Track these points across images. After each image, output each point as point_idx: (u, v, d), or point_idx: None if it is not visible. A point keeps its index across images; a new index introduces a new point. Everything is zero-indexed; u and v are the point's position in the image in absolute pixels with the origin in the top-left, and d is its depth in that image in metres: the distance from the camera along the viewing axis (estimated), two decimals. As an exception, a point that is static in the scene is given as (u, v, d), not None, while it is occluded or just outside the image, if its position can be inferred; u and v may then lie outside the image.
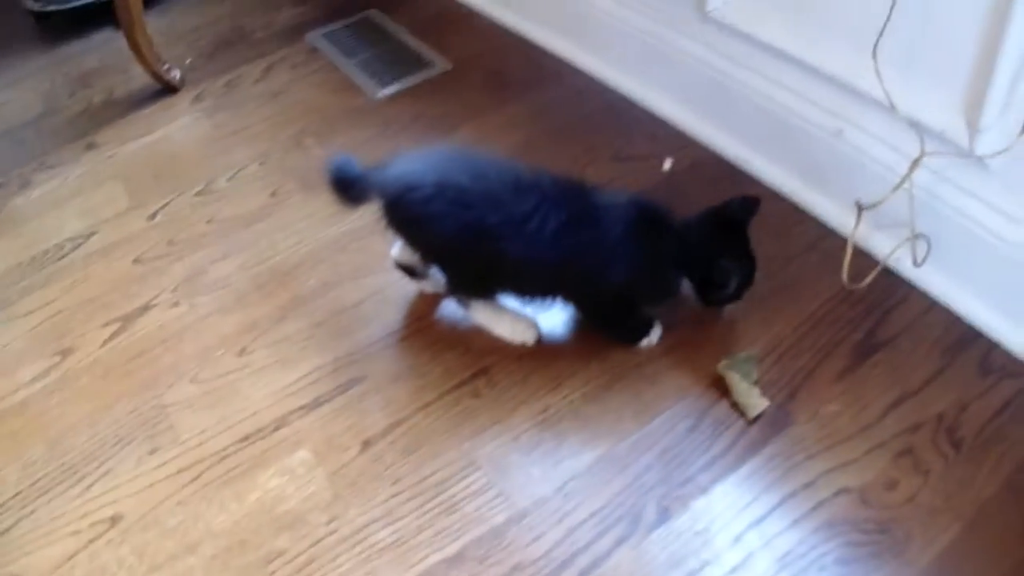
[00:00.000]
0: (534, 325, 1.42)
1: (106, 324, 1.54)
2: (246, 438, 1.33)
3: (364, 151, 1.81)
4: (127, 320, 1.55)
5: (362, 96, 2.07)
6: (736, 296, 1.34)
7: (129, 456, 1.33)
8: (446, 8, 2.36)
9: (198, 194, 1.82)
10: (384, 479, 1.26)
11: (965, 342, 1.36)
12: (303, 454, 1.30)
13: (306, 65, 2.21)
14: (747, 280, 1.34)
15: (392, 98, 2.05)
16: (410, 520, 1.21)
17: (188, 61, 2.28)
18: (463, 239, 1.27)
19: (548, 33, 2.13)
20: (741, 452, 1.25)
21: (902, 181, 1.33)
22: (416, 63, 2.16)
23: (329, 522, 1.22)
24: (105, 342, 1.51)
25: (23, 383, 1.46)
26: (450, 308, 1.49)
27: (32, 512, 1.27)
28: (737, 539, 1.15)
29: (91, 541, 1.23)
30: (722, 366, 1.33)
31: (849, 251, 1.41)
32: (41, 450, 1.35)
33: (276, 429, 1.34)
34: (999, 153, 1.22)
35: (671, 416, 1.30)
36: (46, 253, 1.72)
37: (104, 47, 2.41)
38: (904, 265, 1.44)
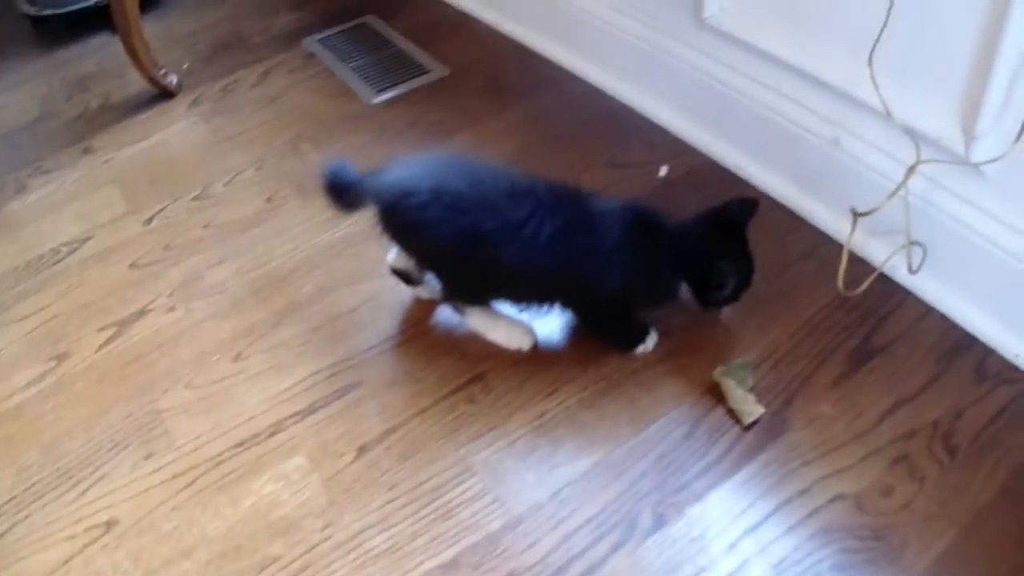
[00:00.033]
0: (530, 331, 1.42)
1: (102, 329, 1.54)
2: (241, 444, 1.33)
3: (360, 157, 1.82)
4: (123, 325, 1.54)
5: (358, 102, 2.07)
6: (734, 298, 1.34)
7: (124, 461, 1.33)
8: (443, 15, 2.36)
9: (194, 199, 1.82)
10: (379, 485, 1.26)
11: (960, 349, 1.36)
12: (298, 460, 1.30)
13: (303, 70, 2.22)
14: (745, 282, 1.34)
15: (389, 104, 2.05)
16: (405, 526, 1.21)
17: (185, 66, 2.28)
18: (459, 245, 1.26)
19: (545, 40, 2.14)
20: (736, 459, 1.25)
21: (898, 188, 1.33)
22: (413, 69, 2.16)
23: (324, 528, 1.21)
24: (101, 347, 1.51)
25: (18, 387, 1.46)
26: (446, 314, 1.49)
27: (27, 517, 1.27)
28: (732, 546, 1.15)
29: (86, 546, 1.22)
30: (718, 373, 1.33)
31: (845, 258, 1.41)
32: (36, 455, 1.35)
33: (271, 435, 1.34)
34: (995, 160, 1.22)
35: (667, 422, 1.30)
36: (42, 258, 1.72)
37: (101, 52, 2.41)
38: (900, 272, 1.44)
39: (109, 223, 1.79)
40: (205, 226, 1.75)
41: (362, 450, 1.30)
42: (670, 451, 1.27)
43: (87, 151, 2.02)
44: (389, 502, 1.24)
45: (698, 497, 1.21)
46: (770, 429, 1.28)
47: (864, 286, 1.42)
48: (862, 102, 1.38)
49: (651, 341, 1.39)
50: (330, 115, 2.03)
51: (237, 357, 1.46)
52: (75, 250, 1.73)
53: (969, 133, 1.25)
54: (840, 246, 1.45)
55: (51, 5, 2.49)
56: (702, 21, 1.63)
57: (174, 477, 1.30)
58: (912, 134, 1.31)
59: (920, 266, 1.40)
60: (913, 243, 1.38)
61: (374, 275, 1.57)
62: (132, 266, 1.67)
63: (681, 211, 1.37)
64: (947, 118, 1.28)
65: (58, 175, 1.95)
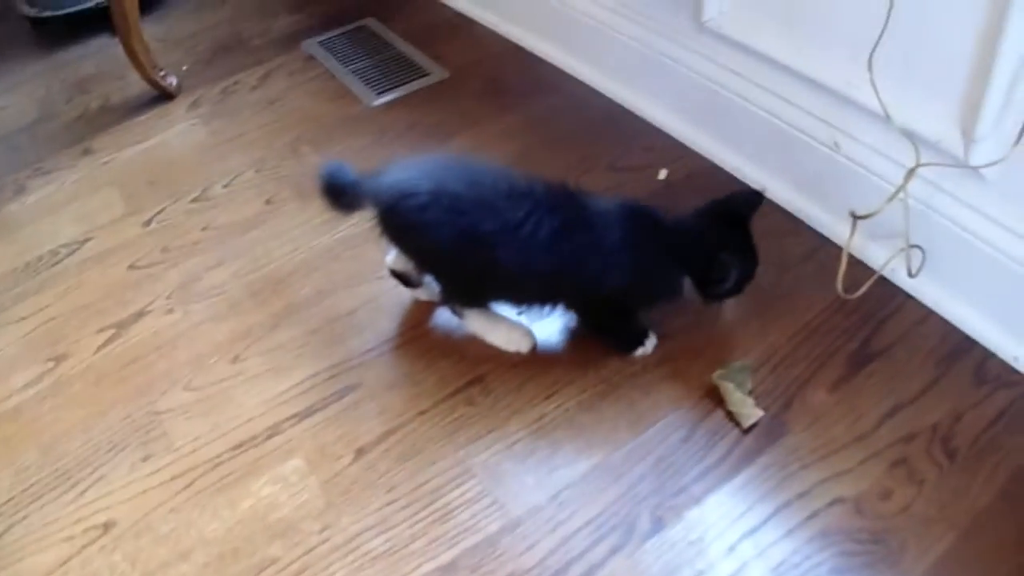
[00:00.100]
0: (529, 334, 1.42)
1: (100, 330, 1.54)
2: (239, 446, 1.33)
3: (359, 159, 1.82)
4: (121, 327, 1.54)
5: (358, 104, 2.07)
6: (737, 290, 1.34)
7: (122, 463, 1.32)
8: (443, 17, 2.36)
9: (193, 201, 1.82)
10: (378, 487, 1.25)
11: (960, 352, 1.36)
12: (296, 462, 1.30)
13: (303, 73, 2.22)
14: (748, 274, 1.34)
15: (388, 106, 2.05)
16: (403, 528, 1.20)
17: (184, 68, 2.28)
18: (458, 247, 1.26)
19: (545, 43, 2.14)
20: (735, 462, 1.25)
21: (897, 191, 1.33)
22: (413, 72, 2.16)
23: (322, 530, 1.21)
24: (99, 348, 1.51)
25: (16, 389, 1.45)
26: (445, 316, 1.49)
27: (25, 518, 1.26)
28: (731, 549, 1.15)
29: (84, 547, 1.22)
30: (716, 376, 1.33)
31: (844, 261, 1.41)
32: (34, 456, 1.35)
33: (269, 437, 1.34)
34: (994, 163, 1.22)
35: (665, 426, 1.30)
36: (40, 259, 1.72)
37: (100, 53, 2.41)
38: (899, 275, 1.44)
39: (108, 225, 1.79)
40: (204, 228, 1.74)
41: (360, 452, 1.30)
42: (669, 454, 1.26)
43: (86, 152, 2.02)
44: (387, 504, 1.23)
45: (697, 500, 1.21)
46: (769, 432, 1.28)
47: (863, 289, 1.42)
48: (861, 105, 1.38)
49: (650, 344, 1.39)
50: (330, 117, 2.03)
51: (235, 359, 1.46)
52: (74, 251, 1.73)
53: (969, 136, 1.25)
54: (839, 249, 1.45)
55: (51, 7, 2.49)
56: (701, 24, 1.63)
57: (172, 479, 1.29)
58: (911, 137, 1.31)
59: (920, 269, 1.40)
60: (912, 246, 1.38)
61: (373, 277, 1.57)
62: (131, 268, 1.67)
63: (680, 214, 1.37)
64: (947, 121, 1.28)
65: (57, 176, 1.95)
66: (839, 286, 1.41)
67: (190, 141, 2.02)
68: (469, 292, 1.39)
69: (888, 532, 1.15)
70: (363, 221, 1.42)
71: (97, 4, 2.44)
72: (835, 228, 1.54)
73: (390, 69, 2.18)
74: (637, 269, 1.30)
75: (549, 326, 1.45)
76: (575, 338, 1.45)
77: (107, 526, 1.24)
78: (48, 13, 2.49)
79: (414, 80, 2.13)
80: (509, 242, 1.24)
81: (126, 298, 1.60)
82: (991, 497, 1.17)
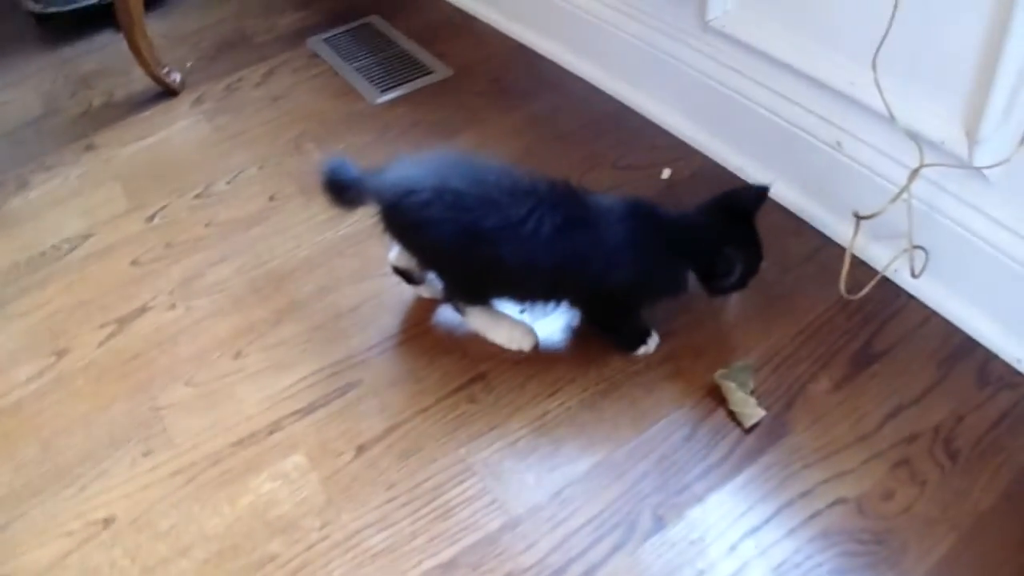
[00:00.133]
0: (531, 332, 1.42)
1: (102, 326, 1.54)
2: (240, 442, 1.33)
3: (363, 156, 1.82)
4: (123, 322, 1.54)
5: (362, 101, 2.07)
6: (741, 284, 1.33)
7: (123, 458, 1.32)
8: (447, 15, 2.36)
9: (196, 197, 1.82)
10: (378, 484, 1.25)
11: (963, 353, 1.36)
12: (297, 458, 1.30)
13: (307, 70, 2.22)
14: (752, 269, 1.34)
15: (392, 104, 2.05)
16: (404, 526, 1.20)
17: (189, 64, 2.28)
18: (460, 244, 1.26)
19: (549, 41, 2.13)
20: (737, 461, 1.25)
21: (901, 192, 1.32)
22: (417, 69, 2.16)
23: (322, 527, 1.21)
24: (101, 343, 1.51)
25: (18, 383, 1.45)
26: (447, 313, 1.49)
27: (25, 513, 1.26)
28: (732, 548, 1.15)
29: (84, 542, 1.22)
30: (719, 375, 1.32)
31: (847, 261, 1.41)
32: (35, 451, 1.35)
33: (270, 433, 1.34)
34: (998, 164, 1.22)
35: (667, 424, 1.30)
36: (43, 254, 1.72)
37: (105, 49, 2.41)
38: (902, 276, 1.44)
39: (111, 220, 1.79)
40: (207, 224, 1.74)
41: (361, 449, 1.30)
42: (671, 453, 1.26)
43: (90, 148, 2.02)
44: (388, 501, 1.23)
45: (698, 499, 1.20)
46: (771, 432, 1.27)
47: (866, 290, 1.41)
48: (865, 105, 1.38)
49: (652, 343, 1.39)
50: (333, 114, 2.03)
51: (237, 355, 1.46)
52: (76, 247, 1.73)
53: (972, 137, 1.25)
54: (842, 249, 1.45)
55: (56, 3, 2.49)
56: (706, 23, 1.63)
57: (172, 475, 1.29)
58: (915, 137, 1.30)
59: (923, 270, 1.40)
60: (916, 247, 1.38)
61: (375, 274, 1.56)
62: (133, 263, 1.67)
63: (684, 209, 1.37)
64: (950, 122, 1.28)
65: (61, 171, 1.95)
66: (842, 286, 1.41)
67: (193, 137, 2.02)
68: (472, 289, 1.39)
69: (890, 533, 1.15)
70: (366, 218, 1.42)
71: (101, 0, 2.43)
72: (838, 228, 1.53)
73: (394, 67, 2.18)
74: (641, 265, 1.30)
75: (551, 324, 1.45)
76: (577, 336, 1.45)
77: (107, 521, 1.24)
78: (53, 9, 2.50)
79: (418, 78, 2.13)
80: (512, 239, 1.24)
81: (128, 293, 1.60)
82: (993, 499, 1.17)
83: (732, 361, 1.35)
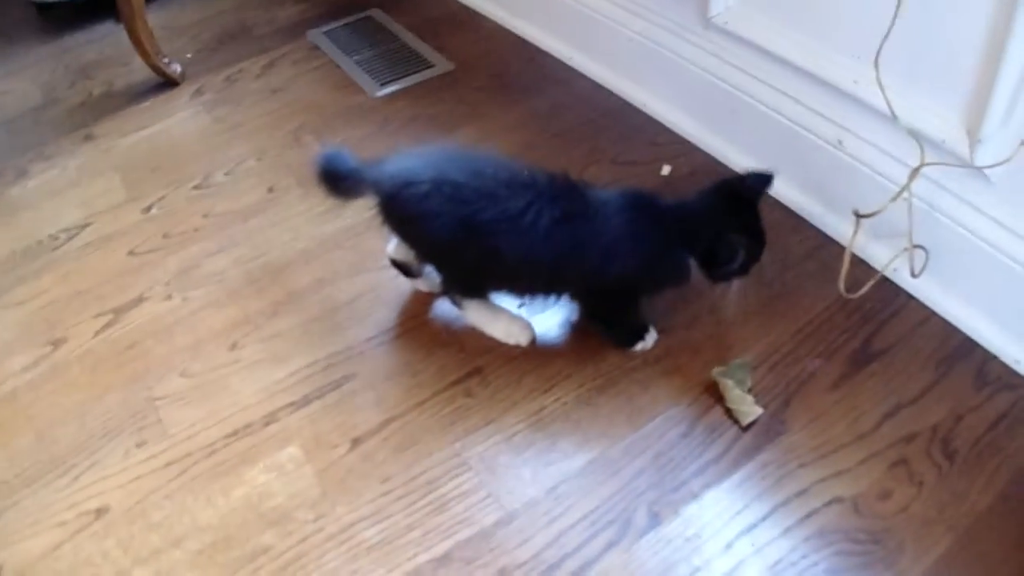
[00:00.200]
0: (528, 327, 1.41)
1: (98, 315, 1.53)
2: (235, 433, 1.32)
3: (362, 149, 1.79)
4: (119, 312, 1.54)
5: (362, 94, 2.06)
6: (743, 271, 1.32)
7: (117, 448, 1.32)
8: (449, 10, 2.36)
9: (195, 188, 1.82)
10: (373, 477, 1.25)
11: (961, 353, 1.35)
12: (292, 450, 1.29)
13: (307, 62, 2.21)
14: (755, 255, 1.32)
15: (392, 97, 2.05)
16: (398, 519, 1.20)
17: (189, 55, 2.28)
18: (458, 236, 1.25)
19: (550, 36, 2.13)
20: (734, 459, 1.24)
21: (901, 190, 1.32)
22: (417, 63, 2.15)
23: (316, 519, 1.21)
24: (97, 333, 1.50)
25: (13, 372, 1.45)
26: (444, 307, 1.48)
27: (17, 503, 1.26)
28: (728, 546, 1.15)
29: (76, 533, 1.22)
30: (716, 372, 1.32)
31: (847, 260, 1.40)
32: (29, 440, 1.34)
33: (265, 425, 1.33)
34: (999, 164, 1.22)
35: (664, 421, 1.30)
36: (40, 243, 1.71)
37: (105, 39, 2.41)
38: (902, 275, 1.43)
39: (109, 210, 1.78)
40: (205, 215, 1.74)
41: (356, 442, 1.30)
42: (667, 450, 1.26)
43: (89, 138, 2.01)
44: (383, 495, 1.23)
45: (694, 496, 1.20)
46: (768, 430, 1.27)
47: (866, 289, 1.41)
48: (867, 103, 1.38)
49: (650, 339, 1.39)
50: (333, 107, 2.03)
51: (233, 346, 1.46)
52: (74, 236, 1.72)
53: (974, 136, 1.24)
54: (842, 248, 1.44)
55: (56, -8, 2.49)
56: (708, 20, 1.63)
57: (166, 465, 1.29)
58: (916, 136, 1.30)
59: (922, 270, 1.39)
60: (916, 246, 1.37)
61: (373, 267, 1.56)
62: (130, 253, 1.66)
63: (686, 195, 1.36)
64: (952, 121, 1.28)
65: (59, 161, 1.94)
66: (841, 285, 1.40)
67: (193, 128, 2.02)
68: (470, 282, 1.38)
69: (886, 532, 1.14)
70: (364, 211, 1.42)
71: (102, -10, 2.43)
72: (838, 227, 1.53)
73: (394, 60, 2.17)
74: (642, 254, 1.29)
75: (549, 319, 1.45)
76: (574, 332, 1.44)
77: (100, 512, 1.24)
78: (54, -2, 2.50)
79: (418, 72, 2.12)
80: (510, 231, 1.23)
81: (125, 284, 1.59)
82: (990, 499, 1.17)
83: (730, 358, 1.35)
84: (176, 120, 2.05)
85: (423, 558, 1.15)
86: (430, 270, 1.44)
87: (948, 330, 1.39)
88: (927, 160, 1.29)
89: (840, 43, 1.42)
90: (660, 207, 1.32)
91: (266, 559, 1.16)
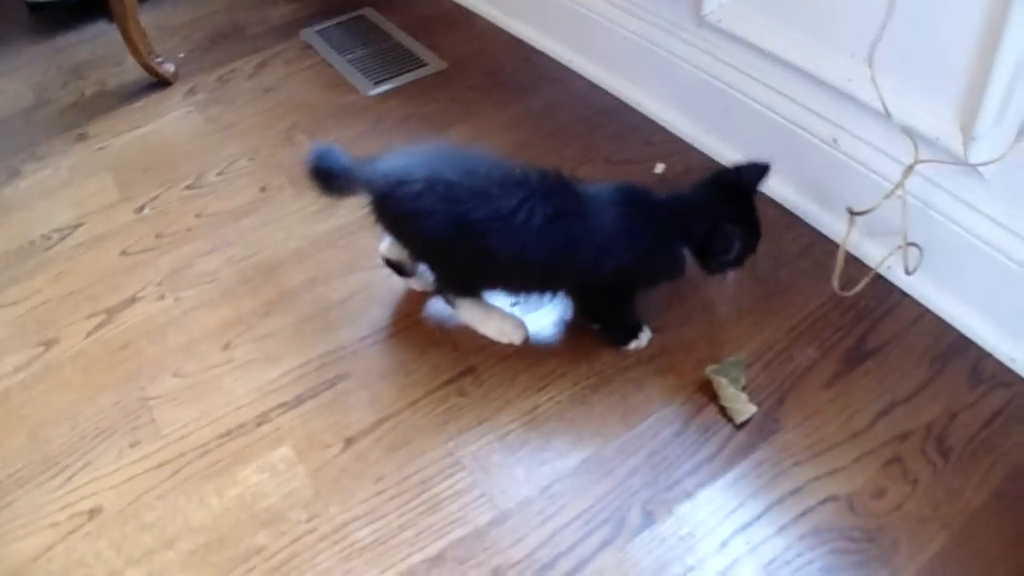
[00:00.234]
0: (522, 325, 1.41)
1: (91, 316, 1.53)
2: (228, 433, 1.32)
3: (355, 148, 1.78)
4: (112, 312, 1.53)
5: (355, 93, 2.06)
6: (738, 262, 1.31)
7: (110, 449, 1.31)
8: (441, 8, 2.35)
9: (187, 188, 1.81)
10: (366, 477, 1.24)
11: (956, 351, 1.35)
12: (285, 450, 1.29)
13: (300, 61, 2.21)
14: (750, 246, 1.32)
15: (385, 96, 2.04)
16: (392, 519, 1.19)
17: (181, 55, 2.27)
18: (451, 235, 1.25)
19: (543, 35, 2.13)
20: (728, 457, 1.24)
21: (895, 188, 1.32)
22: (410, 62, 2.15)
23: (309, 519, 1.20)
24: (89, 334, 1.50)
25: (5, 373, 1.44)
26: (438, 306, 1.48)
27: (10, 503, 1.25)
28: (722, 545, 1.14)
29: (69, 533, 1.21)
30: (710, 371, 1.32)
31: (841, 258, 1.40)
32: (22, 440, 1.33)
33: (258, 425, 1.33)
34: (993, 161, 1.22)
35: (658, 420, 1.29)
36: (33, 243, 1.70)
37: (98, 39, 2.40)
38: (896, 273, 1.43)
39: (101, 210, 1.77)
40: (197, 215, 1.73)
41: (349, 442, 1.29)
42: (661, 448, 1.26)
43: (81, 138, 2.00)
44: (376, 494, 1.22)
45: (688, 495, 1.20)
46: (762, 428, 1.27)
47: (860, 286, 1.41)
48: (861, 101, 1.38)
49: (644, 337, 1.38)
50: (326, 106, 2.02)
51: (226, 346, 1.45)
52: (66, 236, 1.71)
53: (968, 133, 1.24)
54: (836, 246, 1.44)
55: (49, -8, 2.48)
56: (701, 18, 1.62)
57: (159, 466, 1.28)
58: (910, 134, 1.30)
59: (916, 267, 1.39)
60: (910, 244, 1.37)
61: (366, 266, 1.56)
62: (123, 254, 1.66)
63: (680, 187, 1.36)
64: (946, 118, 1.28)
65: (52, 161, 1.94)
66: (835, 283, 1.40)
67: (185, 128, 2.01)
68: (463, 281, 1.38)
69: (881, 530, 1.14)
70: (357, 210, 1.41)
71: (94, -11, 2.43)
72: (832, 224, 1.53)
73: (387, 59, 2.17)
74: (636, 248, 1.29)
75: (542, 318, 1.44)
76: (568, 330, 1.44)
77: (93, 512, 1.23)
78: (46, -2, 2.49)
79: (411, 71, 2.12)
80: (503, 230, 1.23)
81: (117, 284, 1.59)
82: (985, 497, 1.17)
83: (724, 357, 1.35)
84: (169, 120, 2.04)
85: (417, 558, 1.15)
86: (423, 269, 1.44)
87: (942, 328, 1.39)
88: (921, 158, 1.29)
89: (834, 41, 1.42)
90: (653, 200, 1.32)
91: (259, 559, 1.16)
